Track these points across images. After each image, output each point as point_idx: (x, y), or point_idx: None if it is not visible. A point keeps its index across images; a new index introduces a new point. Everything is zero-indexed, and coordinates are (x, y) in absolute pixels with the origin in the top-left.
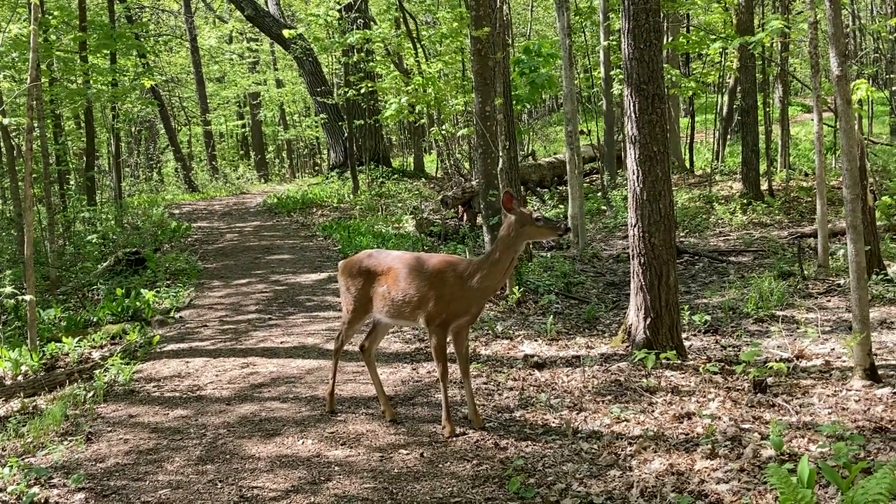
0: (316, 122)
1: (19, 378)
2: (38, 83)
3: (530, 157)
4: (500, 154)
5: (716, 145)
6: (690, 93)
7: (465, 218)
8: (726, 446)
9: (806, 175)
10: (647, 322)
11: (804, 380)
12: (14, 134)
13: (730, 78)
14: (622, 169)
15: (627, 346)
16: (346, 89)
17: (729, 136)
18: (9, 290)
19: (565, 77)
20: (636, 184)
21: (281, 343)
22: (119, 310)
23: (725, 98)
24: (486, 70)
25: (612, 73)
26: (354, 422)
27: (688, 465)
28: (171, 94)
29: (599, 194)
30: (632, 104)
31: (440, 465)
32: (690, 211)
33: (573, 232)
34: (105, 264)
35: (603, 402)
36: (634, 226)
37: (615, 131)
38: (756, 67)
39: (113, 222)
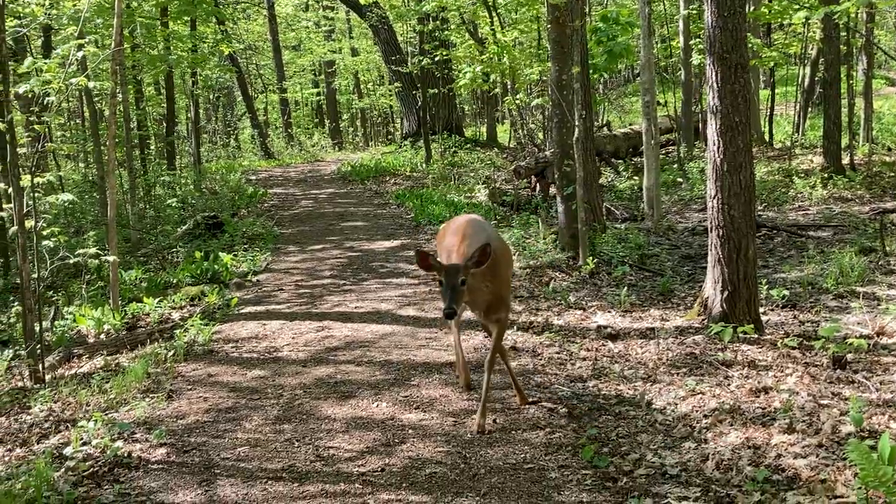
0: (390, 90)
1: (102, 336)
2: (121, 48)
3: (605, 128)
4: (576, 124)
5: (796, 118)
6: (772, 64)
7: (537, 188)
8: (804, 421)
9: (889, 150)
10: (725, 295)
11: (885, 357)
12: (97, 99)
13: (812, 49)
14: (699, 140)
15: (703, 320)
16: (421, 58)
17: (810, 109)
18: (92, 250)
19: (643, 46)
20: (716, 154)
21: (355, 308)
22: (198, 272)
23: (807, 70)
24: (564, 38)
25: (691, 42)
26: (428, 387)
27: (764, 440)
28: (248, 61)
29: (675, 166)
30: (714, 73)
31: (513, 432)
32: (769, 184)
33: (648, 204)
34: (184, 228)
35: (678, 374)
36: (714, 197)
37: (693, 102)
38: (840, 38)
39: (192, 187)
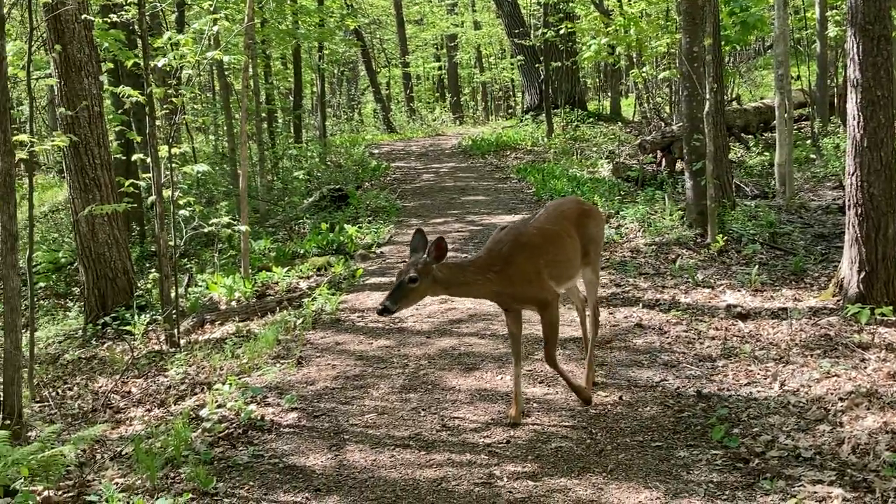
0: (512, 64)
1: (233, 303)
2: (252, 23)
3: (735, 102)
4: (707, 97)
5: None
6: None
7: (663, 163)
8: None
9: None
10: (862, 276)
11: None
12: (227, 73)
13: None
14: (834, 115)
15: (838, 300)
16: (545, 30)
17: None
18: (225, 220)
19: (777, 17)
20: (856, 130)
21: None
22: (324, 243)
23: None
24: (696, 9)
25: (827, 13)
26: None
27: None
28: (372, 36)
29: (809, 142)
30: (855, 46)
31: (639, 409)
32: None
33: (779, 180)
34: (310, 200)
35: (811, 355)
36: (852, 174)
37: (828, 76)
38: None
39: (317, 160)
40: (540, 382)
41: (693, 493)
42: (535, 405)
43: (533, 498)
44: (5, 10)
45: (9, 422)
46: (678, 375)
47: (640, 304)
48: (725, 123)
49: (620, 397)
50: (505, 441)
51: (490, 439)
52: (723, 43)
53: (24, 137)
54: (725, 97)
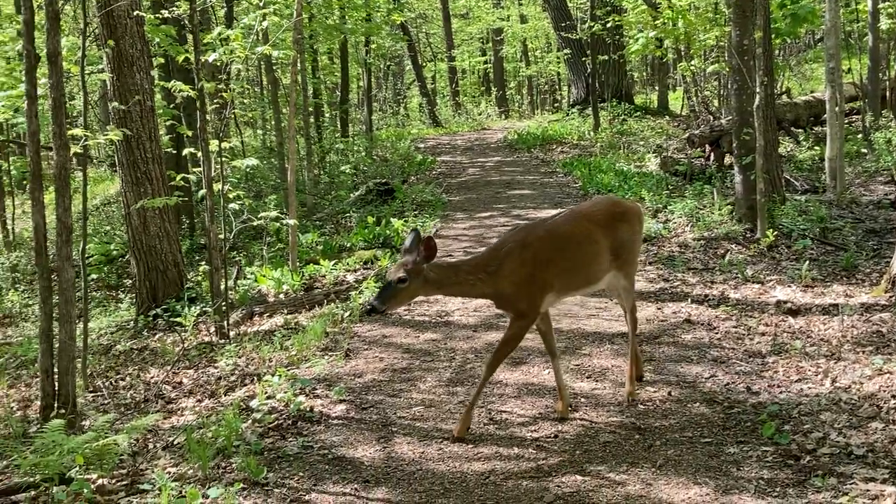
0: (558, 57)
1: (281, 296)
2: (301, 18)
3: (785, 95)
4: (757, 90)
5: None
6: None
7: (711, 157)
8: None
9: None
10: None
11: None
12: (275, 68)
13: None
14: (886, 109)
15: (890, 297)
16: (592, 24)
17: None
18: (274, 213)
19: (828, 9)
20: None
21: None
22: (370, 237)
23: None
24: (746, 1)
25: (880, 6)
26: (599, 356)
27: None
28: (418, 30)
29: (860, 136)
30: None
31: (688, 405)
32: None
33: (830, 175)
34: (357, 193)
35: (863, 352)
36: None
37: (880, 69)
38: None
39: (363, 154)
40: (588, 377)
41: (743, 490)
42: (582, 400)
43: (581, 492)
44: (59, 6)
45: (63, 411)
46: (727, 371)
47: (689, 300)
48: (775, 117)
49: (669, 393)
50: (553, 435)
51: (538, 433)
52: (773, 36)
53: (78, 131)
54: (775, 90)
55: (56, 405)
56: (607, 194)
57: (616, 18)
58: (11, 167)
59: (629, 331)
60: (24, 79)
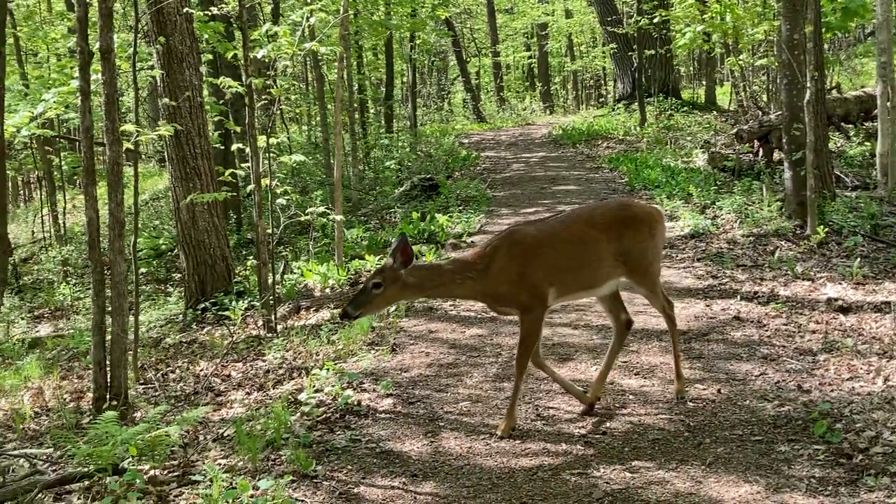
0: (603, 52)
1: (327, 291)
2: (347, 14)
3: (835, 90)
4: (808, 85)
5: None
6: None
7: (760, 153)
8: None
9: None
10: None
11: None
12: (321, 63)
13: None
14: None
15: None
16: (638, 18)
17: None
18: (321, 209)
19: (880, 3)
20: None
21: None
22: (415, 232)
23: None
24: None
25: None
26: (647, 353)
27: None
28: (462, 25)
29: None
30: None
31: (738, 403)
32: None
33: (881, 171)
34: (401, 189)
35: None
36: None
37: None
38: None
39: (408, 149)
40: (636, 374)
41: (794, 489)
42: (630, 397)
43: (630, 489)
44: (111, 3)
45: (115, 402)
46: (778, 369)
47: (738, 297)
48: (825, 112)
49: (719, 390)
50: (601, 432)
51: (585, 430)
52: (823, 30)
53: (130, 127)
54: (825, 85)
55: (108, 397)
56: (622, 197)
57: (663, 13)
58: (63, 162)
59: (669, 329)
60: (75, 76)
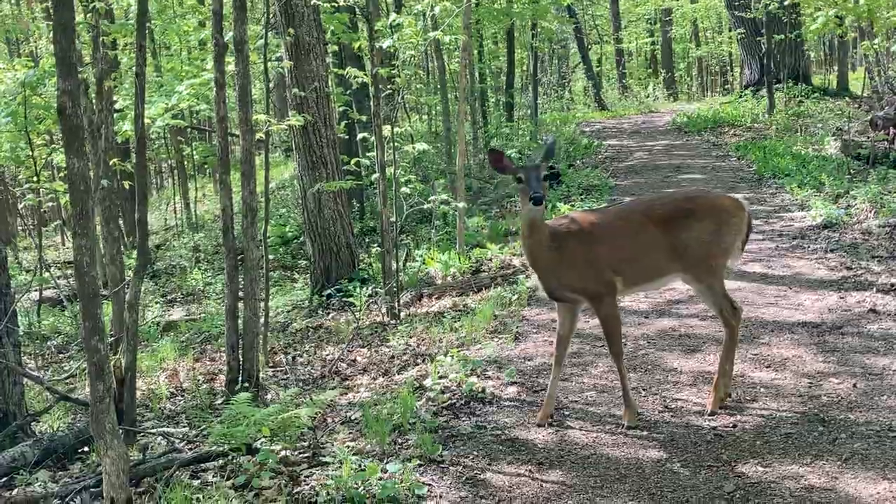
0: (730, 37)
1: (448, 279)
2: (470, 2)
3: None
4: None
5: None
6: None
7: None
8: None
9: None
10: None
11: None
12: (443, 53)
13: None
14: None
15: None
16: (768, 2)
17: None
18: (444, 196)
19: None
20: None
21: None
22: None
23: None
24: None
25: None
26: (779, 346)
27: None
28: (584, 11)
29: None
30: None
31: (875, 398)
32: None
33: None
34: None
35: None
36: None
37: None
38: None
39: (528, 138)
40: (767, 367)
41: None
42: (761, 390)
43: (762, 483)
44: None
45: (247, 384)
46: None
47: (874, 289)
48: None
49: (854, 385)
50: (731, 425)
51: (715, 423)
52: None
53: (262, 117)
54: None
55: (241, 379)
56: (691, 188)
57: None
58: (194, 152)
59: (725, 338)
60: (206, 67)
